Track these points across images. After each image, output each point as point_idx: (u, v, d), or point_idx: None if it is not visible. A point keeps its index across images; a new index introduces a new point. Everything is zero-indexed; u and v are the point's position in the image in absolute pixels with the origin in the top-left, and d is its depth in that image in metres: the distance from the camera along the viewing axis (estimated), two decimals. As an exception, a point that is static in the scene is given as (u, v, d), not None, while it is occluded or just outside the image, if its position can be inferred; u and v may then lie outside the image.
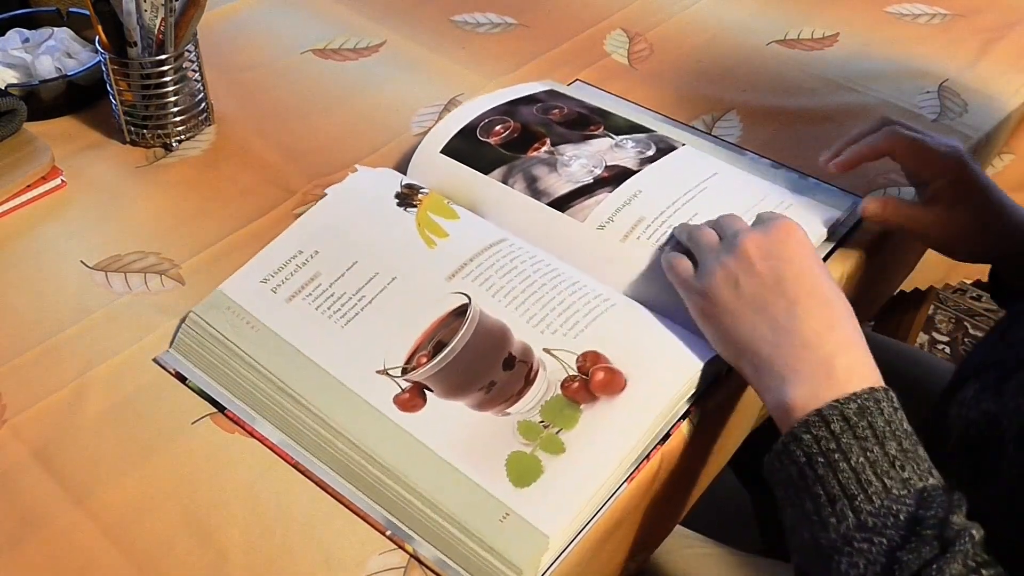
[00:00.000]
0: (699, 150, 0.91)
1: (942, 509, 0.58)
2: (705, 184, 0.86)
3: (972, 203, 0.83)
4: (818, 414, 0.62)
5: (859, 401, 0.62)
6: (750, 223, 0.76)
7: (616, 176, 0.86)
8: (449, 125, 0.92)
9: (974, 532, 0.57)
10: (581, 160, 0.88)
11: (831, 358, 0.65)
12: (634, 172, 0.86)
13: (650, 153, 0.89)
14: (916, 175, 0.87)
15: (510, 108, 0.94)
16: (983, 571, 0.56)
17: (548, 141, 0.90)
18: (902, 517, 0.58)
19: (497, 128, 0.91)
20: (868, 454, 0.60)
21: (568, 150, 0.89)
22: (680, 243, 0.78)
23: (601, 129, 0.92)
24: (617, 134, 0.91)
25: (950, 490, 0.60)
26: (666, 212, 0.82)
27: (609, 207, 0.83)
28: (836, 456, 0.60)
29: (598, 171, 0.86)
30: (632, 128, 0.93)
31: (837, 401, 0.62)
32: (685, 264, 0.74)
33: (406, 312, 0.76)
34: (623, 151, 0.89)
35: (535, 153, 0.88)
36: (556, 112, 0.94)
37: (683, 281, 0.74)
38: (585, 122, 0.93)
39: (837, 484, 0.60)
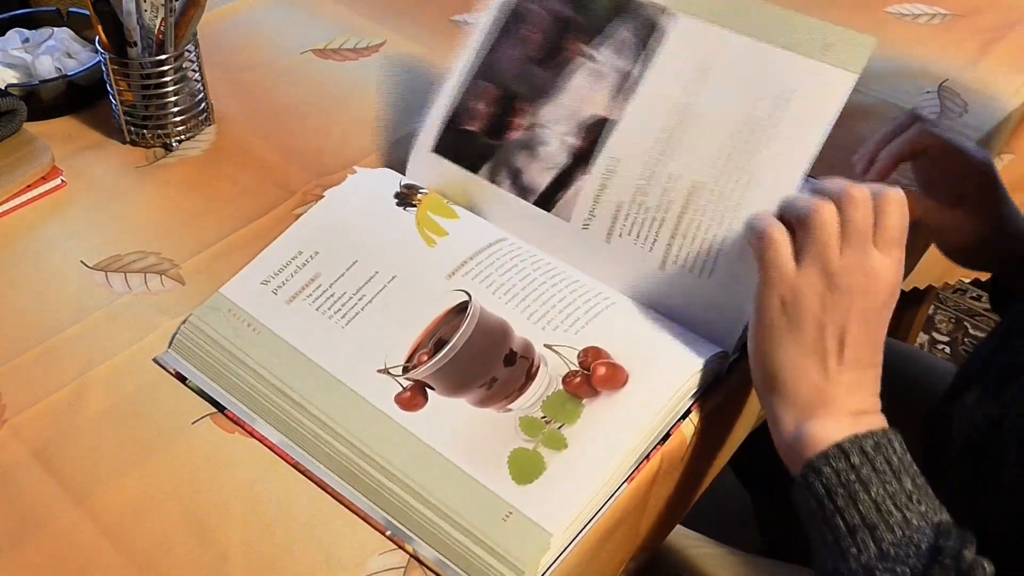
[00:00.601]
0: (688, 28, 0.84)
1: (957, 542, 0.58)
2: (686, 111, 0.81)
3: (993, 212, 0.83)
4: (837, 447, 0.62)
5: (875, 438, 0.62)
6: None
7: (592, 140, 0.83)
8: (433, 118, 0.89)
9: (985, 566, 0.57)
10: (559, 127, 0.85)
11: (863, 411, 0.65)
12: (608, 120, 0.83)
13: (635, 71, 0.84)
14: (940, 177, 0.85)
15: (485, 67, 0.90)
16: None
17: (527, 110, 0.87)
18: (923, 547, 0.58)
19: (478, 107, 0.89)
20: (887, 486, 0.60)
21: (546, 118, 0.86)
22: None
23: (578, 44, 0.87)
24: (598, 29, 0.86)
25: (960, 526, 0.60)
26: (640, 192, 0.80)
27: (588, 199, 0.82)
28: (856, 487, 0.61)
29: (574, 140, 0.84)
30: (614, 10, 0.87)
31: (855, 435, 0.62)
32: (786, 248, 0.66)
33: (406, 311, 0.76)
34: (601, 81, 0.85)
35: (516, 135, 0.86)
36: (531, 39, 0.89)
37: (778, 267, 0.66)
38: (560, 40, 0.88)
39: (857, 514, 0.60)
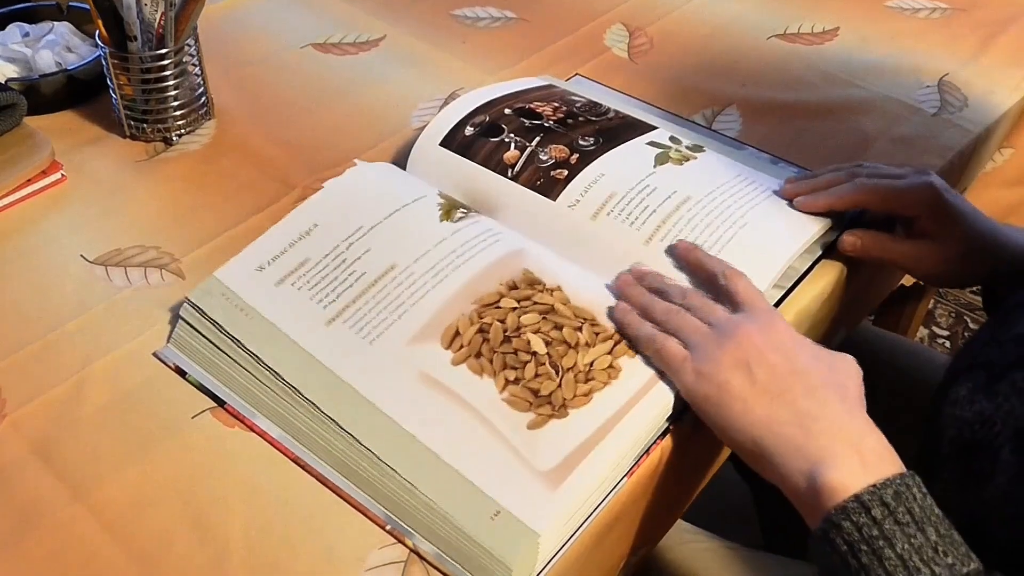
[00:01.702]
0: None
1: None
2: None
3: (954, 233, 0.83)
4: (856, 500, 0.60)
5: (894, 486, 0.60)
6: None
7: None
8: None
9: None
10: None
11: (860, 440, 0.64)
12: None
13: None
14: (891, 216, 0.86)
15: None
16: None
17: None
18: None
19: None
20: (912, 540, 0.59)
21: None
22: (633, 305, 0.75)
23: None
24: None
25: (989, 572, 0.59)
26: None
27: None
28: (880, 543, 0.59)
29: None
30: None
31: (874, 486, 0.60)
32: (679, 348, 0.71)
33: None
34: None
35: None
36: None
37: (680, 363, 0.70)
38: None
39: (884, 572, 0.59)
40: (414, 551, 0.65)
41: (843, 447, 0.63)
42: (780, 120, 1.02)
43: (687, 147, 0.90)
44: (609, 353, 0.72)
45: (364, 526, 0.66)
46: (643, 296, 0.75)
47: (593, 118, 0.92)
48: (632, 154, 0.88)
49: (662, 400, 0.70)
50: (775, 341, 0.69)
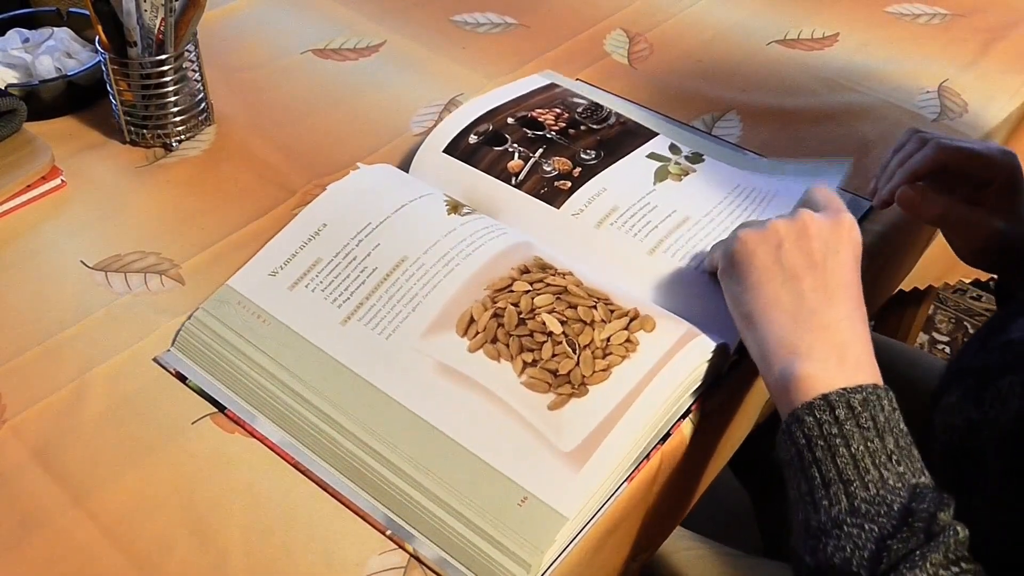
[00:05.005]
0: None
1: (932, 505, 0.58)
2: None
3: (1015, 209, 0.82)
4: (824, 398, 0.62)
5: (864, 393, 0.62)
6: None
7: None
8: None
9: (958, 529, 0.58)
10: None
11: (846, 345, 0.65)
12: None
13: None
14: (961, 179, 0.83)
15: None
16: (962, 564, 0.57)
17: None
18: (895, 507, 0.59)
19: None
20: (868, 444, 0.61)
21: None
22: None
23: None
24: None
25: (939, 490, 0.60)
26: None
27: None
28: (837, 441, 0.61)
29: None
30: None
31: (844, 389, 0.62)
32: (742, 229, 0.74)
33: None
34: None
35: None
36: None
37: (731, 235, 0.73)
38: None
39: (834, 468, 0.60)
40: (414, 556, 0.65)
41: (826, 345, 0.65)
42: (780, 125, 1.02)
43: (687, 156, 0.90)
44: (626, 328, 0.72)
45: (364, 532, 0.66)
46: None
47: (595, 126, 0.92)
48: (632, 169, 0.88)
49: (682, 372, 0.70)
50: (826, 234, 0.70)
